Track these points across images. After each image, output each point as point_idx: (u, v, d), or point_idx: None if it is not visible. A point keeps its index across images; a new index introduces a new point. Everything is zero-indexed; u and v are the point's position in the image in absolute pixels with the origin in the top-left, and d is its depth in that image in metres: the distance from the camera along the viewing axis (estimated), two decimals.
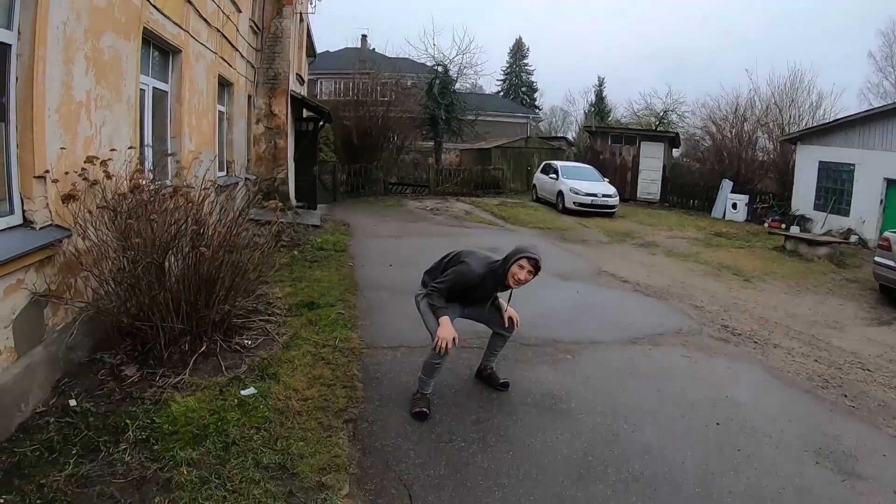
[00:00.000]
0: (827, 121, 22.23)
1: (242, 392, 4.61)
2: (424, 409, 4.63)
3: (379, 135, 24.44)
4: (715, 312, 8.81)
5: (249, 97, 14.67)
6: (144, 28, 6.58)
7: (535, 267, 4.62)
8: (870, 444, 4.93)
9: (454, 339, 4.51)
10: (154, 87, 7.59)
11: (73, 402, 4.20)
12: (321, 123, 18.39)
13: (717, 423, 4.96)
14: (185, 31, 8.24)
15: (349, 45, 38.35)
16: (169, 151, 8.05)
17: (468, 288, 4.79)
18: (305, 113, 18.54)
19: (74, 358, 4.79)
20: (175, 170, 7.39)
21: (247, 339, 5.73)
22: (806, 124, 25.14)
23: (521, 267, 4.61)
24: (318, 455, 3.82)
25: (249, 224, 6.52)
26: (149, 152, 7.26)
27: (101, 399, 4.32)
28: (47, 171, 4.32)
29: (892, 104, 19.36)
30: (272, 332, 6.03)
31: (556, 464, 4.07)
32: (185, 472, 3.50)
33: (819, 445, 4.79)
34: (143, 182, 5.28)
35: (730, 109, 27.70)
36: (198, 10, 8.82)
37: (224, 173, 11.91)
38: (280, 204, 12.02)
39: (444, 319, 4.57)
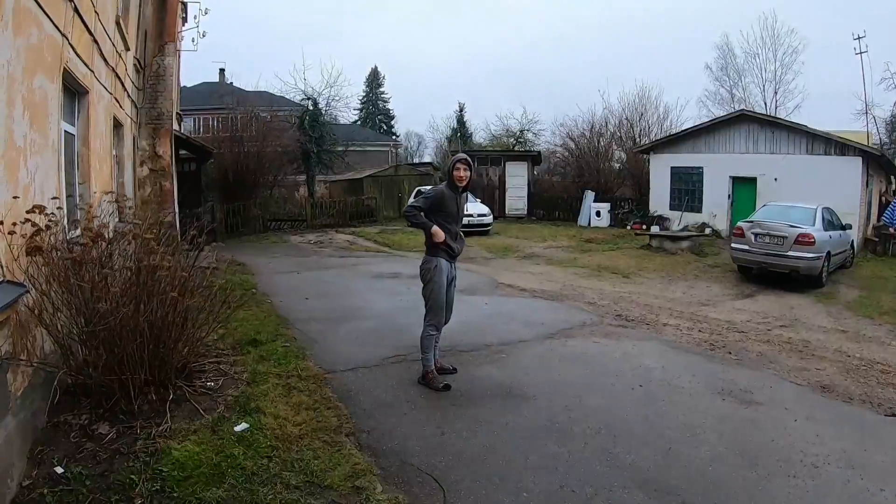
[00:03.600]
0: (675, 132, 25.26)
1: (236, 428, 4.66)
2: (447, 383, 5.82)
3: (255, 171, 24.30)
4: (607, 306, 10.01)
5: (133, 138, 14.01)
6: (64, 69, 6.28)
7: (467, 163, 5.92)
8: (758, 381, 6.38)
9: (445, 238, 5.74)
10: (64, 131, 7.14)
11: (59, 470, 3.93)
12: (203, 162, 18.01)
13: (640, 385, 6.07)
14: (91, 70, 7.87)
15: (207, 80, 37.54)
16: (78, 199, 7.74)
17: (441, 197, 5.87)
18: (183, 152, 18.07)
19: (38, 424, 4.47)
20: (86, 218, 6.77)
21: (209, 381, 5.71)
22: (655, 135, 28.17)
23: (458, 169, 5.86)
24: (339, 467, 4.16)
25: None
26: (71, 200, 7.00)
27: (87, 461, 4.09)
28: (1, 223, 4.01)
29: (733, 112, 22.74)
30: (230, 372, 6.08)
31: (534, 433, 4.87)
32: None
33: (721, 388, 6.09)
34: (100, 230, 5.26)
35: (586, 127, 30.39)
36: (100, 48, 8.43)
37: (117, 220, 11.66)
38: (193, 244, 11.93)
39: (433, 227, 5.74)
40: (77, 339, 4.85)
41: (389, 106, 62.20)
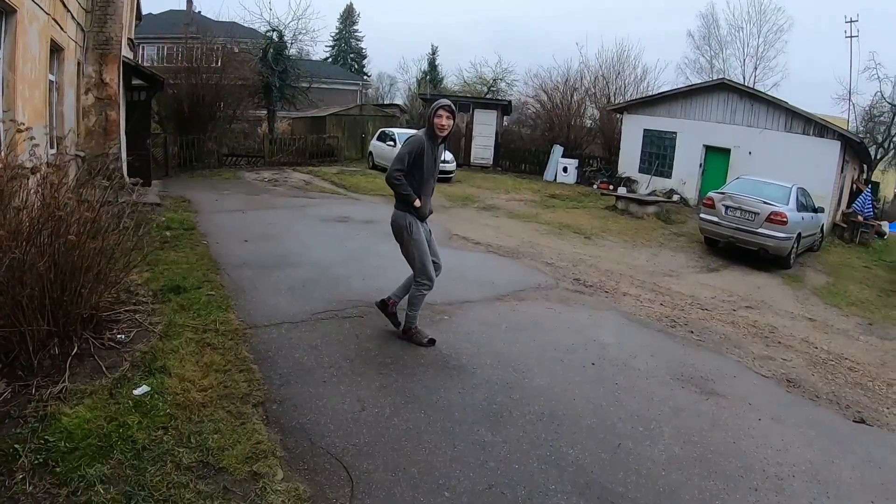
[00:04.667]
0: (652, 93, 24.51)
1: (135, 392, 4.18)
2: (432, 338, 5.58)
3: (212, 104, 22.94)
4: (565, 268, 9.47)
5: (79, 64, 13.07)
6: None
7: (451, 111, 5.36)
8: (721, 368, 5.88)
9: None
10: None
11: None
12: (156, 92, 17.01)
13: (593, 364, 5.51)
14: None
15: (173, 8, 35.73)
16: (2, 126, 7.08)
17: (421, 152, 5.31)
18: (136, 81, 17.13)
19: None
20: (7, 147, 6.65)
21: (119, 334, 5.20)
22: (631, 95, 27.24)
23: (440, 116, 5.30)
24: (238, 445, 3.64)
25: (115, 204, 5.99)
26: None
27: None
28: None
29: (713, 80, 22.11)
30: (144, 323, 5.54)
31: (467, 415, 4.29)
32: (102, 491, 3.12)
33: (681, 373, 5.57)
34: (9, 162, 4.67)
35: (561, 80, 29.32)
36: None
37: (54, 151, 10.84)
38: (126, 181, 11.16)
39: (416, 199, 5.35)
40: None
41: (363, 45, 60.13)
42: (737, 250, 12.71)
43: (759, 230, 12.14)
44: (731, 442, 4.37)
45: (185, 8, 34.89)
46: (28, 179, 4.87)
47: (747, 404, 5.10)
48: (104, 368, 4.49)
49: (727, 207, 12.68)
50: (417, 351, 5.39)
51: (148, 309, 5.98)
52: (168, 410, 3.98)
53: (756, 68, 39.99)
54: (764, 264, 12.29)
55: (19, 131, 5.41)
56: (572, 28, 73.79)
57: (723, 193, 13.17)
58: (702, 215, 13.38)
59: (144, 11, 28.46)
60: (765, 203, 12.35)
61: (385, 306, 5.79)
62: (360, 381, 4.70)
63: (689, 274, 10.75)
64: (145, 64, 27.18)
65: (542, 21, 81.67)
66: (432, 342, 5.54)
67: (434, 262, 5.59)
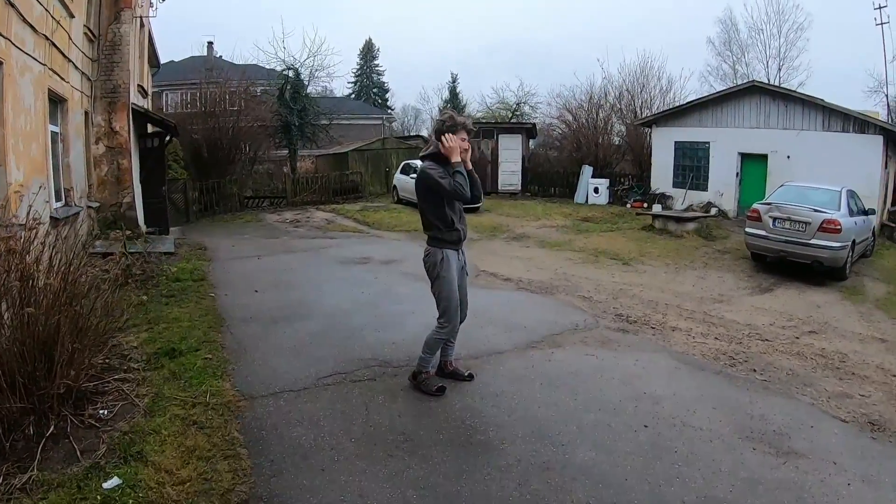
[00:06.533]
0: (680, 104, 23.33)
1: (105, 485, 3.64)
2: (442, 385, 5.11)
3: (231, 147, 22.75)
4: (605, 302, 8.60)
5: (87, 114, 12.90)
6: None
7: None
8: (794, 416, 4.95)
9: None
10: None
11: None
12: (168, 138, 16.73)
13: (646, 426, 4.62)
14: (5, 38, 6.99)
15: (195, 54, 35.95)
16: None
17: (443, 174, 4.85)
18: (151, 128, 16.89)
19: None
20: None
21: (102, 409, 4.65)
22: (657, 108, 26.13)
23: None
24: None
25: (95, 261, 5.53)
26: None
27: None
28: None
29: (742, 84, 20.85)
30: (131, 395, 4.94)
31: None
32: None
33: (749, 429, 4.66)
34: None
35: (585, 98, 28.28)
36: (21, 14, 7.52)
37: (62, 203, 10.41)
38: (128, 232, 10.63)
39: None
40: None
41: (384, 79, 60.17)
42: (787, 264, 11.59)
43: (812, 241, 11.03)
44: None
45: (205, 53, 35.07)
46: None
47: (832, 464, 4.17)
48: (79, 453, 3.99)
49: (775, 219, 11.63)
50: (435, 422, 4.59)
51: (138, 377, 5.40)
52: None
53: (780, 69, 39.29)
54: (818, 278, 11.16)
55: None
56: (589, 46, 72.90)
57: (769, 204, 12.10)
58: (747, 229, 12.30)
59: (166, 59, 28.65)
60: (815, 211, 11.27)
61: (413, 378, 5.18)
62: (364, 467, 3.91)
63: (740, 297, 9.74)
64: (169, 110, 27.23)
65: (557, 41, 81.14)
66: (442, 390, 5.06)
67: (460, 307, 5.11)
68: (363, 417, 4.64)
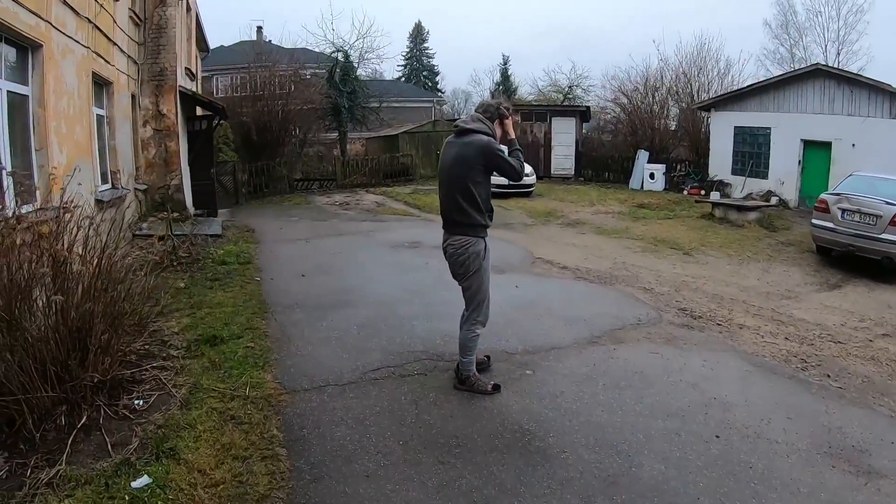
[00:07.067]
0: (741, 87, 22.23)
1: (133, 484, 3.44)
2: (497, 383, 4.80)
3: (280, 129, 22.70)
4: (667, 294, 8.12)
5: (133, 97, 12.92)
6: None
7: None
8: (874, 431, 4.43)
9: None
10: (9, 91, 6.25)
11: None
12: (217, 121, 16.69)
13: (717, 436, 4.18)
14: (45, 21, 6.82)
15: (245, 38, 36.15)
16: (35, 166, 6.72)
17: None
18: (200, 112, 16.86)
19: None
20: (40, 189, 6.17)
21: (137, 399, 4.47)
22: (715, 91, 25.07)
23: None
24: None
25: (139, 243, 5.38)
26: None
27: None
28: None
29: (807, 67, 19.68)
30: (168, 385, 4.74)
31: None
32: None
33: (827, 444, 4.19)
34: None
35: (640, 80, 27.27)
36: None
37: (108, 186, 10.37)
38: (175, 214, 10.53)
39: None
40: None
41: (434, 62, 59.60)
42: (854, 259, 10.85)
43: (883, 236, 10.24)
44: None
45: (255, 38, 35.13)
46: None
47: None
48: (109, 446, 3.82)
49: (843, 211, 10.87)
50: (490, 425, 4.23)
51: (177, 365, 5.21)
52: None
53: (839, 53, 37.68)
54: (888, 275, 10.34)
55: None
56: (643, 30, 71.32)
57: (838, 195, 11.32)
58: (814, 221, 11.53)
59: (217, 44, 28.74)
60: (888, 203, 10.43)
61: (463, 383, 4.83)
62: (413, 474, 3.60)
63: (808, 294, 9.10)
64: (219, 94, 27.37)
65: (610, 26, 79.20)
66: (497, 388, 4.74)
67: None
68: (413, 417, 4.33)
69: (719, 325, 6.87)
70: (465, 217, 4.51)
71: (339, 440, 3.99)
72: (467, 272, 4.60)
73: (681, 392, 4.89)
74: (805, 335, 6.77)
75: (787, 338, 6.61)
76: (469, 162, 4.48)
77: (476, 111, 4.74)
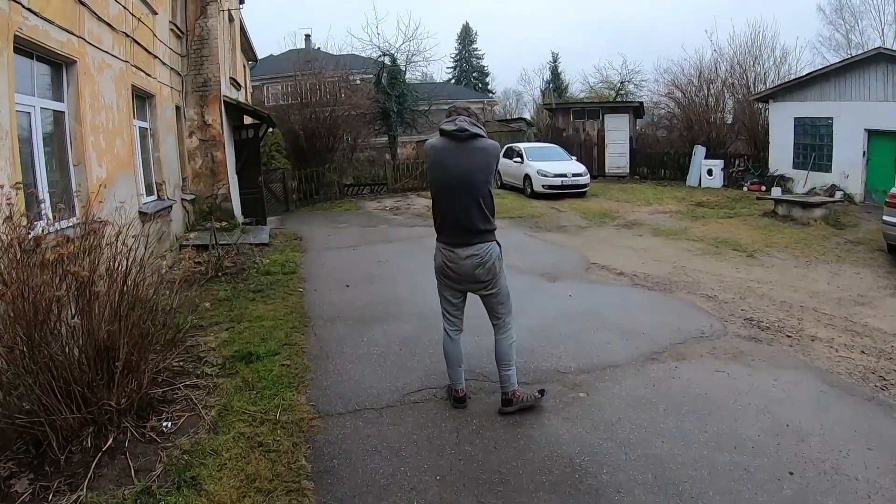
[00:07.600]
0: (799, 76, 21.10)
1: None
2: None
3: (328, 135, 22.60)
4: (732, 303, 7.58)
5: (178, 108, 13.01)
6: (17, 36, 5.29)
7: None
8: None
9: None
10: (44, 108, 6.27)
11: None
12: (265, 129, 16.69)
13: (791, 473, 3.68)
14: (78, 37, 6.80)
15: (292, 47, 36.50)
16: (73, 181, 6.67)
17: None
18: (249, 121, 16.91)
19: None
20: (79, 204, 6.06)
21: (166, 420, 4.31)
22: (772, 81, 23.94)
23: None
24: None
25: (186, 252, 5.23)
26: (43, 188, 5.94)
27: None
28: None
29: (868, 52, 18.36)
30: (198, 405, 4.56)
31: None
32: None
33: None
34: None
35: (694, 73, 26.19)
36: (94, 13, 7.35)
37: (153, 197, 10.37)
38: (223, 223, 10.45)
39: None
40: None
41: (484, 63, 59.47)
42: None
43: None
44: None
45: (303, 46, 35.39)
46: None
47: None
48: (133, 472, 3.70)
49: None
50: (537, 458, 3.85)
51: (210, 384, 5.04)
52: None
53: None
54: None
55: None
56: (695, 18, 68.97)
57: None
58: (885, 217, 10.53)
59: (265, 53, 28.95)
60: None
61: (510, 403, 4.44)
62: None
63: (882, 298, 8.34)
64: (269, 103, 27.57)
65: (660, 15, 77.22)
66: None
67: None
68: (453, 447, 3.99)
69: (789, 336, 6.32)
70: (488, 224, 4.29)
71: (370, 473, 3.69)
72: (495, 276, 4.38)
73: (750, 418, 4.40)
74: (883, 348, 6.15)
75: (863, 351, 6.01)
76: (490, 167, 4.28)
77: (461, 115, 4.29)
